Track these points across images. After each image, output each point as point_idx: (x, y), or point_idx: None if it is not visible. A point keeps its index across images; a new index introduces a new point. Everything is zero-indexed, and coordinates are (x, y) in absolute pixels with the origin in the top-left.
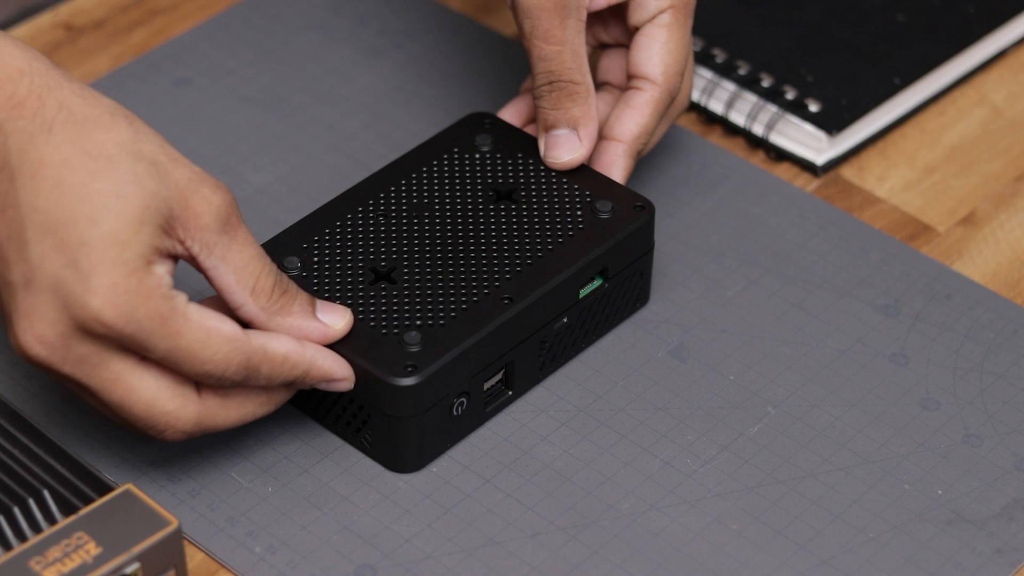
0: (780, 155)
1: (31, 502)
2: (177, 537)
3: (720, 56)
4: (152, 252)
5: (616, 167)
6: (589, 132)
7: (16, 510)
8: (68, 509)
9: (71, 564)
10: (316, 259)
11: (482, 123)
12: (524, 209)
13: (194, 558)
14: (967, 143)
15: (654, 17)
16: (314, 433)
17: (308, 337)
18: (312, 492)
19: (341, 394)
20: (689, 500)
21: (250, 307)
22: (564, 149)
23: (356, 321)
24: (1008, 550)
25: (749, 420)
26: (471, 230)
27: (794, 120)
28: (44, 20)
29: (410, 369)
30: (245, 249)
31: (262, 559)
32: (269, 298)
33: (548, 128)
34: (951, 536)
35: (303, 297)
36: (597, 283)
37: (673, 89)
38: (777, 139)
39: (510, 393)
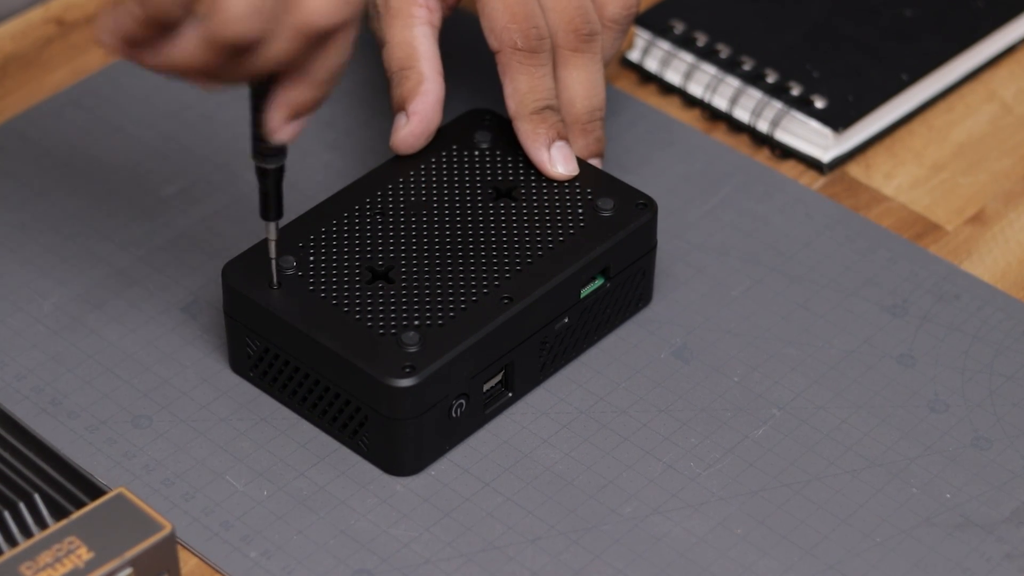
0: (785, 152)
1: (22, 506)
2: (170, 542)
3: (724, 52)
4: None
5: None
6: (414, 106)
7: (6, 514)
8: (59, 513)
9: (62, 569)
10: (312, 258)
11: (481, 120)
12: (524, 207)
13: (188, 563)
14: (976, 140)
15: None
16: (310, 435)
17: None
18: (308, 496)
19: (337, 395)
20: (692, 504)
21: None
22: (395, 129)
23: (353, 321)
24: (1018, 555)
25: (754, 422)
26: (470, 229)
27: (800, 117)
28: (35, 15)
29: (408, 370)
30: None
31: (257, 564)
32: None
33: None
34: (960, 541)
35: None
36: (599, 282)
37: (511, 42)
38: (782, 136)
39: (510, 395)
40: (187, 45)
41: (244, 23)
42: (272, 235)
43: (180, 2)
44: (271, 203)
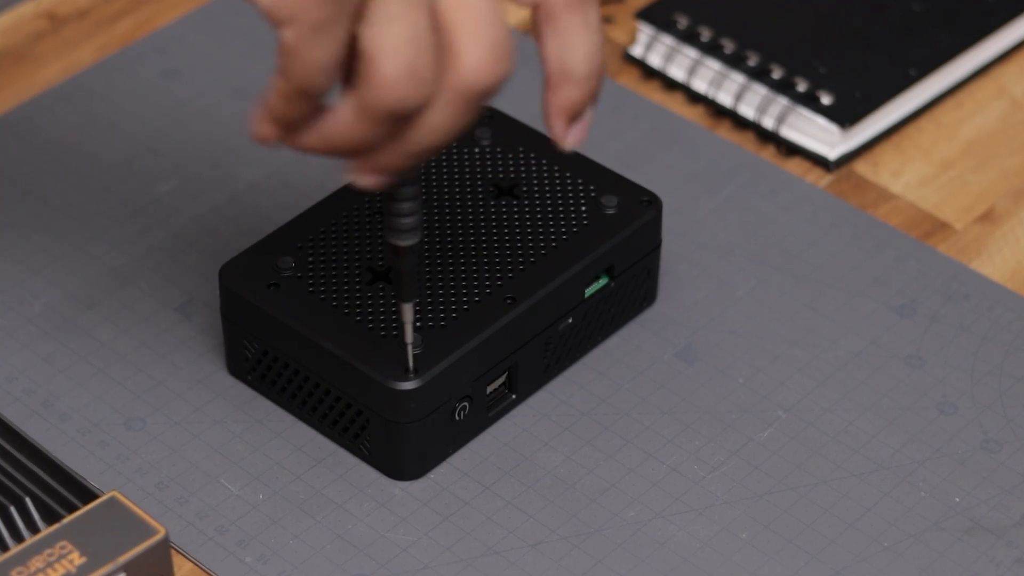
0: (791, 149)
1: (12, 510)
2: (164, 546)
3: (729, 47)
4: None
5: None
6: None
7: None
8: (51, 517)
9: (54, 574)
10: (311, 259)
11: (482, 116)
12: (526, 205)
13: (182, 568)
14: (985, 137)
15: None
16: (307, 438)
17: None
18: (305, 499)
19: (338, 398)
20: (696, 508)
21: None
22: None
23: (354, 323)
24: None
25: (759, 425)
26: (471, 227)
27: (806, 113)
28: (26, 9)
29: (410, 373)
30: None
31: (252, 569)
32: None
33: None
34: (969, 545)
35: None
36: (603, 281)
37: None
38: (788, 133)
39: (513, 397)
40: (342, 117)
41: (401, 87)
42: (409, 318)
43: (323, 68)
44: (412, 283)
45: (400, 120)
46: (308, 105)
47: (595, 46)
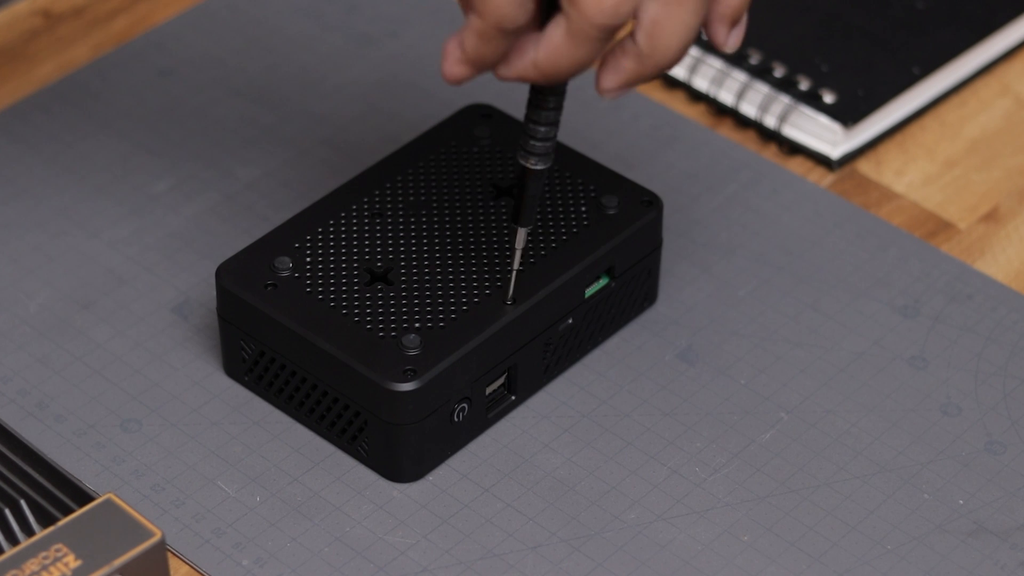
0: (793, 148)
1: (7, 512)
2: (160, 549)
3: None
4: None
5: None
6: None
7: None
8: (46, 520)
9: None
10: (309, 259)
11: (481, 115)
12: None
13: (178, 571)
14: (990, 136)
15: None
16: (304, 440)
17: None
18: (302, 502)
19: (336, 400)
20: (698, 510)
21: None
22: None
23: (352, 324)
24: None
25: (761, 426)
26: (471, 227)
27: (808, 112)
28: (21, 7)
29: (409, 374)
30: None
31: (249, 572)
32: None
33: None
34: (973, 548)
35: None
36: (603, 282)
37: None
38: (790, 132)
39: (513, 398)
40: (555, 43)
41: (608, 5)
42: (522, 244)
43: (520, 2)
44: (533, 208)
45: (612, 34)
46: (502, 42)
47: None
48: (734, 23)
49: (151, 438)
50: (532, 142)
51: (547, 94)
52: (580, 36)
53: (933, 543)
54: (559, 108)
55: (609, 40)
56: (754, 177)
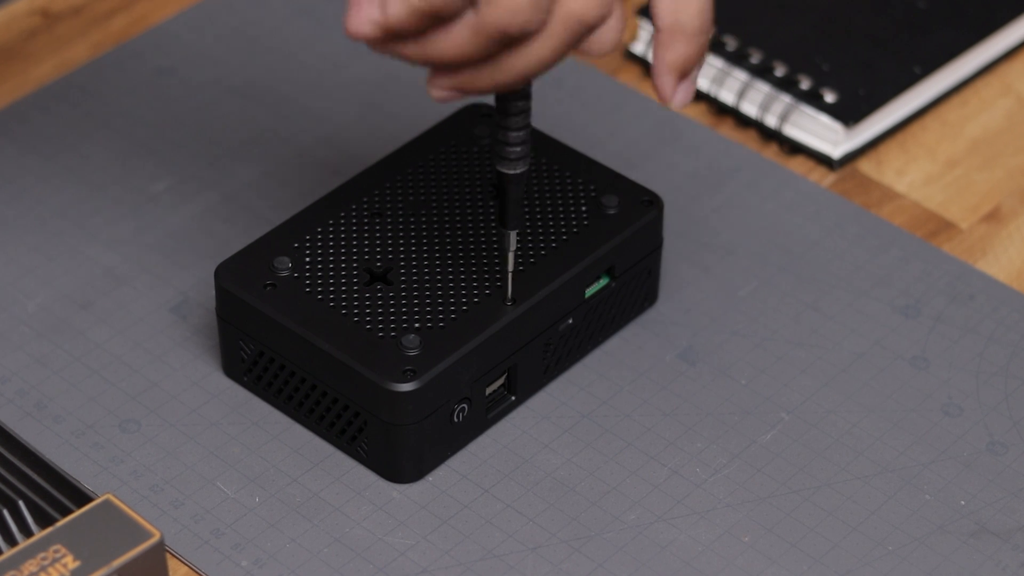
0: (794, 148)
1: (5, 513)
2: (159, 550)
3: (731, 43)
4: None
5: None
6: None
7: None
8: (44, 520)
9: None
10: (308, 259)
11: (480, 115)
12: (526, 205)
13: (177, 572)
14: (991, 135)
15: None
16: (303, 440)
17: None
18: (301, 503)
19: (335, 400)
20: (698, 511)
21: None
22: None
23: (351, 324)
24: None
25: (761, 427)
26: (471, 227)
27: (809, 111)
28: (19, 6)
29: (409, 374)
30: None
31: (249, 573)
32: None
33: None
34: (975, 549)
35: None
36: (603, 282)
37: None
38: (791, 131)
39: (513, 399)
40: (457, 35)
41: (524, 11)
42: (512, 246)
43: None
44: (518, 211)
45: (511, 42)
46: (426, 24)
47: (707, 1)
48: (683, 75)
49: (150, 438)
50: (506, 148)
51: (513, 99)
52: (482, 34)
53: (934, 544)
54: (527, 111)
55: (508, 45)
56: (755, 177)
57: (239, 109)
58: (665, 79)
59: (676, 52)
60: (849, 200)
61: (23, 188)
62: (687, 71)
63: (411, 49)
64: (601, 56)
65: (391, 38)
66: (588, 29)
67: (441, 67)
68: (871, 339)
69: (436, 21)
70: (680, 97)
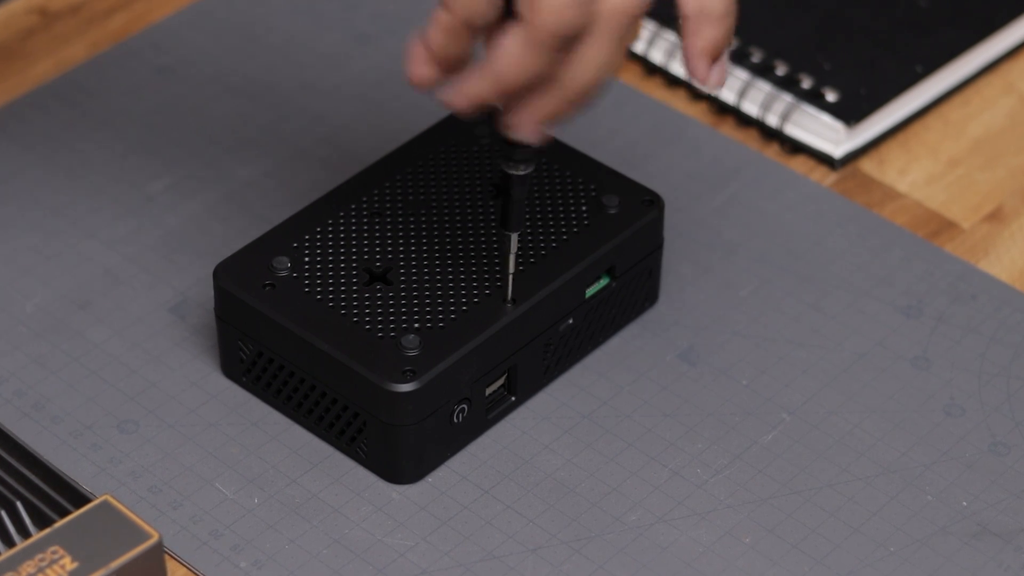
0: (795, 147)
1: (3, 514)
2: (158, 551)
3: (732, 42)
4: None
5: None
6: None
7: None
8: (42, 521)
9: None
10: (307, 259)
11: (482, 115)
12: (527, 205)
13: (175, 574)
14: (993, 135)
15: None
16: (302, 441)
17: None
18: (301, 503)
19: (335, 400)
20: (699, 512)
21: None
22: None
23: (351, 324)
24: None
25: (763, 427)
26: (471, 227)
27: (810, 110)
28: (18, 5)
29: (408, 375)
30: None
31: (247, 575)
32: None
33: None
34: (977, 550)
35: None
36: (604, 282)
37: None
38: (792, 130)
39: (513, 399)
40: (510, 50)
41: (566, 9)
42: (513, 249)
43: None
44: (520, 213)
45: (565, 45)
46: (469, 40)
47: None
48: (714, 58)
49: (148, 439)
50: (515, 149)
51: None
52: (534, 42)
53: (936, 545)
54: None
55: (563, 49)
56: (756, 176)
57: (238, 108)
58: (698, 63)
59: (705, 37)
60: (851, 200)
61: (21, 187)
62: (718, 53)
63: (479, 84)
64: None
65: (448, 71)
66: (634, 21)
67: (514, 102)
68: (873, 339)
69: (476, 33)
70: (715, 78)
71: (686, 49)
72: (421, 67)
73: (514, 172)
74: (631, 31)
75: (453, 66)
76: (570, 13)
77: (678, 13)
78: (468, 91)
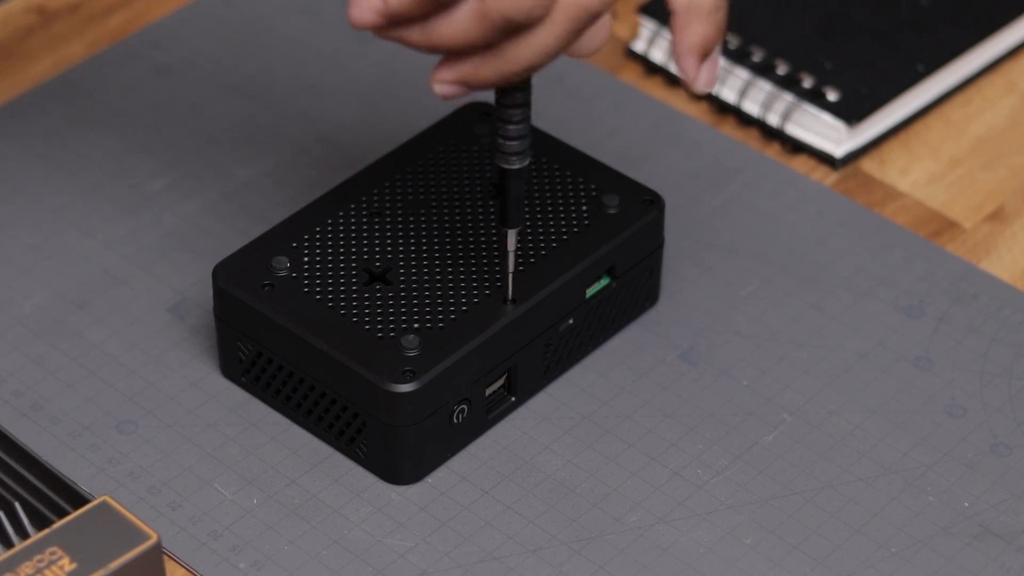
0: (796, 147)
1: (2, 515)
2: (156, 552)
3: (733, 42)
4: None
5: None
6: None
7: None
8: (41, 522)
9: None
10: (307, 259)
11: (481, 113)
12: (527, 204)
13: (175, 574)
14: (995, 134)
15: None
16: (302, 441)
17: None
18: (300, 504)
19: (334, 401)
20: (700, 513)
21: None
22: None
23: (350, 324)
24: None
25: (763, 428)
26: (471, 227)
27: (811, 110)
28: (16, 4)
29: (408, 375)
30: None
31: None
32: None
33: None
34: (978, 551)
35: None
36: (604, 282)
37: None
38: (793, 130)
39: (513, 399)
40: (459, 19)
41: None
42: (512, 246)
43: None
44: (519, 208)
45: (514, 30)
46: (432, 8)
47: None
48: (704, 55)
49: (147, 440)
50: (506, 142)
51: (512, 91)
52: (486, 20)
53: (938, 546)
54: (527, 104)
55: (507, 35)
56: (757, 176)
57: (237, 107)
58: (687, 61)
59: (695, 33)
60: (852, 199)
61: (19, 187)
62: (708, 50)
63: (415, 35)
64: (589, 56)
65: (394, 24)
66: (592, 18)
67: (445, 57)
68: (874, 339)
69: (438, 6)
70: (704, 78)
71: (676, 46)
72: (368, 13)
73: (508, 167)
74: (587, 25)
75: (397, 22)
76: (529, 2)
77: (668, 9)
78: (406, 38)
